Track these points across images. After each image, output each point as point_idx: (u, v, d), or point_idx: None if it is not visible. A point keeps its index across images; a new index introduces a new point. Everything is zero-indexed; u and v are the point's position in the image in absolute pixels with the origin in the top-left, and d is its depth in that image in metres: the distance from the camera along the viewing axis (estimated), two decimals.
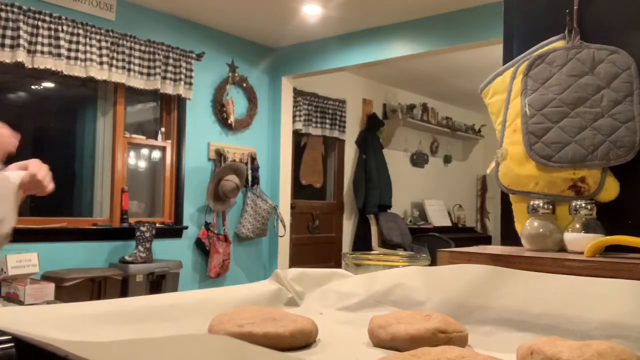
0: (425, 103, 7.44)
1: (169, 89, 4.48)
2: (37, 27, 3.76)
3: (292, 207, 5.75)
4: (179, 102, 4.73)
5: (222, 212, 4.96)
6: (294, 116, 5.72)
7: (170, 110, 4.74)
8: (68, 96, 4.42)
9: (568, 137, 1.10)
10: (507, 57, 1.25)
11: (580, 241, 1.03)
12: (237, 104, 5.15)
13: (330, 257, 6.28)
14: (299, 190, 6.05)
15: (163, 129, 4.71)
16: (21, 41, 3.65)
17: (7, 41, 3.63)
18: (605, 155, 1.08)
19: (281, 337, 0.52)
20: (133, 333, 0.51)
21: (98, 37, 4.05)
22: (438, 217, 7.63)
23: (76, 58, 3.92)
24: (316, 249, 6.17)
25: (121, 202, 4.29)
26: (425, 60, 5.63)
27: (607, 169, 1.10)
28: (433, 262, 1.03)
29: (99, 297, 3.63)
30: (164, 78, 4.46)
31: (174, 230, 4.65)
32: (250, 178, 5.15)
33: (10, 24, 3.64)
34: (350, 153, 6.60)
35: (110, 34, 4.12)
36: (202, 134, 4.88)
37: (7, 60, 3.63)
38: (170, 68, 4.49)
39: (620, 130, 1.08)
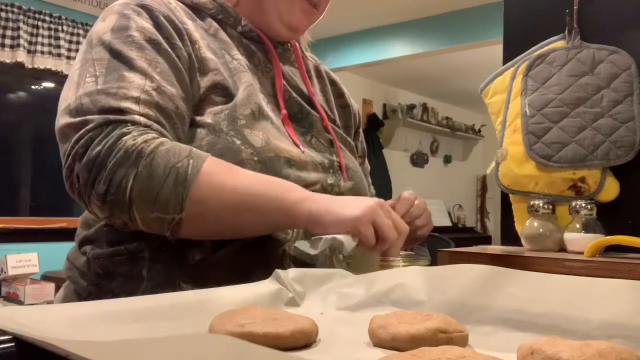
0: (425, 103, 7.43)
1: None
2: (37, 27, 3.76)
3: None
4: None
5: None
6: None
7: None
8: None
9: (568, 137, 1.10)
10: (507, 57, 1.25)
11: (580, 241, 1.03)
12: None
13: None
14: None
15: None
16: (21, 41, 3.66)
17: (7, 41, 3.63)
18: (605, 155, 1.08)
19: (282, 337, 0.52)
20: (133, 333, 0.51)
21: None
22: (438, 217, 7.62)
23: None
24: None
25: None
26: (425, 60, 5.63)
27: (607, 169, 1.10)
28: (433, 262, 1.04)
29: None
30: None
31: None
32: None
33: (10, 24, 3.64)
34: None
35: None
36: None
37: (7, 60, 3.63)
38: None
39: (620, 130, 1.08)
